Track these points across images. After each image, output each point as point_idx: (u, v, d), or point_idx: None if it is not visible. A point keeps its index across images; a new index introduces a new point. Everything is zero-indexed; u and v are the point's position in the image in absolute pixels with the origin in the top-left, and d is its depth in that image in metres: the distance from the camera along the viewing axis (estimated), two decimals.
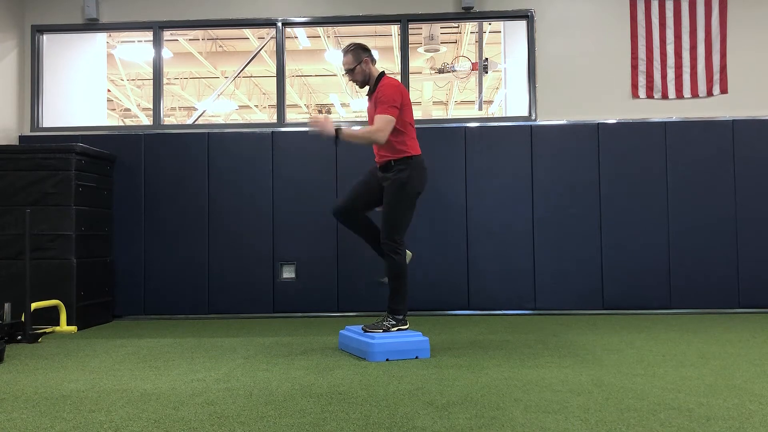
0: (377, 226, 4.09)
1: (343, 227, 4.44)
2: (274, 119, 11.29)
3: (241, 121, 16.64)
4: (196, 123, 6.87)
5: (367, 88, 4.12)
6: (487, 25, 8.93)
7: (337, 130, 3.86)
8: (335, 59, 11.08)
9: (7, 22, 6.03)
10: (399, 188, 3.94)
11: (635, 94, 5.96)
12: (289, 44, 9.88)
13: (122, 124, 15.58)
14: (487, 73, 8.11)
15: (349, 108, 15.83)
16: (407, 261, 4.02)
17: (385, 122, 3.83)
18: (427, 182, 4.10)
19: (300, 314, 5.84)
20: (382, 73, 4.05)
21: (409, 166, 3.94)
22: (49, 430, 2.42)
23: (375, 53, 4.25)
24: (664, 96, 5.95)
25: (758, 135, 5.82)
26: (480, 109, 9.22)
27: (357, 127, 3.86)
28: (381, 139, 3.85)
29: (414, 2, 6.09)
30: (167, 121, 14.34)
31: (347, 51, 4.06)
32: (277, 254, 5.89)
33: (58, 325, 5.04)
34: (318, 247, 5.86)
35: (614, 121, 5.90)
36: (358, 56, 4.02)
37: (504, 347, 4.08)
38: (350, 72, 4.05)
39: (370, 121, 4.05)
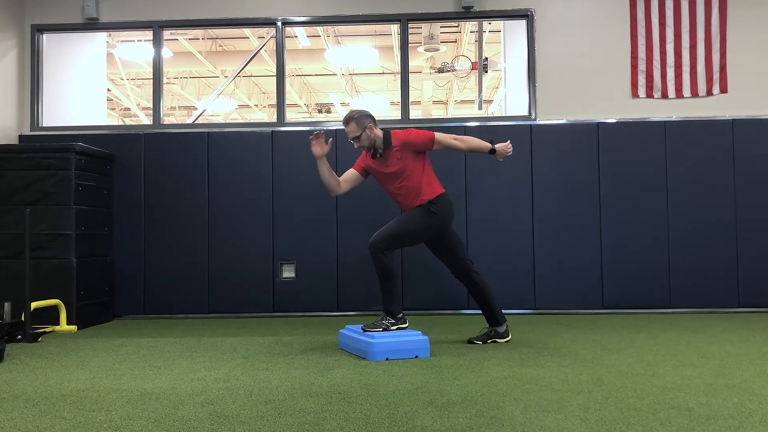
0: (487, 291, 4.20)
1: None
2: (273, 118, 11.28)
3: (241, 121, 16.63)
4: (195, 122, 6.87)
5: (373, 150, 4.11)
6: (487, 25, 8.92)
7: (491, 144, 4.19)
8: (335, 58, 11.07)
9: (7, 22, 6.03)
10: (424, 214, 4.02)
11: (635, 94, 5.96)
12: (288, 43, 9.86)
13: (122, 123, 15.57)
14: (486, 72, 8.12)
15: (349, 107, 15.81)
16: (507, 338, 4.22)
17: (445, 134, 4.12)
18: (453, 218, 4.17)
19: (300, 314, 5.84)
20: (388, 131, 4.06)
21: (439, 202, 4.05)
22: (49, 429, 2.42)
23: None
24: (664, 95, 5.95)
25: (758, 135, 5.82)
26: (480, 108, 9.21)
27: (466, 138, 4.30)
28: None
29: (414, 2, 6.09)
30: (167, 120, 14.27)
31: (350, 119, 4.04)
32: (277, 254, 5.89)
33: (58, 324, 5.04)
34: (318, 247, 5.86)
35: (614, 121, 5.90)
36: (361, 124, 4.02)
37: (504, 347, 4.08)
38: (356, 139, 4.05)
39: (386, 182, 4.11)
